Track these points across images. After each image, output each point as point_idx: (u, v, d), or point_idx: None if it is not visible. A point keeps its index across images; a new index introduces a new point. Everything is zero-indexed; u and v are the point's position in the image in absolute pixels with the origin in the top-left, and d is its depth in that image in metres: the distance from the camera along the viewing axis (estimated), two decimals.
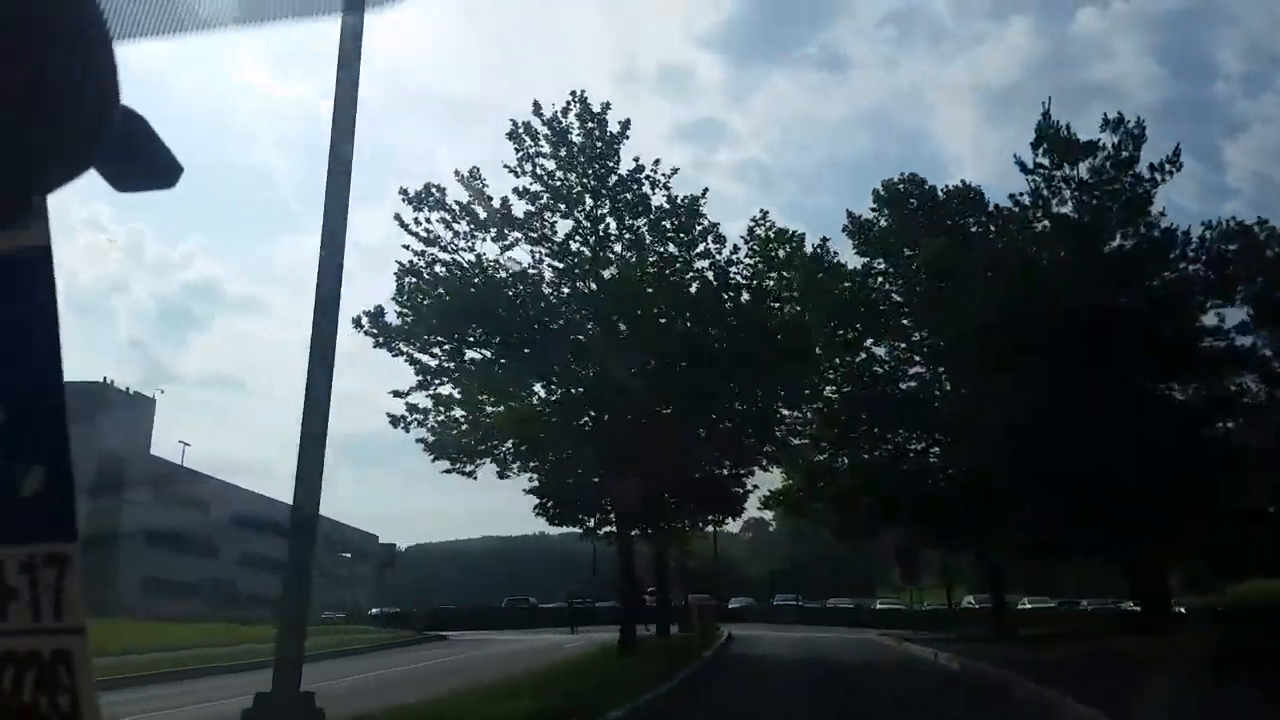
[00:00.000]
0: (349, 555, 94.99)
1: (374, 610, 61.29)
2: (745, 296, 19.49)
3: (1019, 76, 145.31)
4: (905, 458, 31.25)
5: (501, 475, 19.63)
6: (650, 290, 18.50)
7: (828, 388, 31.32)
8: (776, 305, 19.59)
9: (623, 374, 17.99)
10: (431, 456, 18.74)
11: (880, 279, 31.61)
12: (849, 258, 31.07)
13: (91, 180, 0.91)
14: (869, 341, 31.61)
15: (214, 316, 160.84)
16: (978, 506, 28.07)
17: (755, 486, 26.99)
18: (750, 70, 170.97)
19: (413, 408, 18.72)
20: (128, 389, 67.68)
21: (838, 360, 31.09)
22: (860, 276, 31.25)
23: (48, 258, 0.93)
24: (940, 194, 30.99)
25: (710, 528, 27.84)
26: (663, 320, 18.66)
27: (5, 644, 0.90)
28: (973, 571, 60.04)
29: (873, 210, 31.65)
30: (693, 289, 19.01)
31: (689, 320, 18.92)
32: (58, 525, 0.90)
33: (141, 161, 0.97)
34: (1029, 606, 53.99)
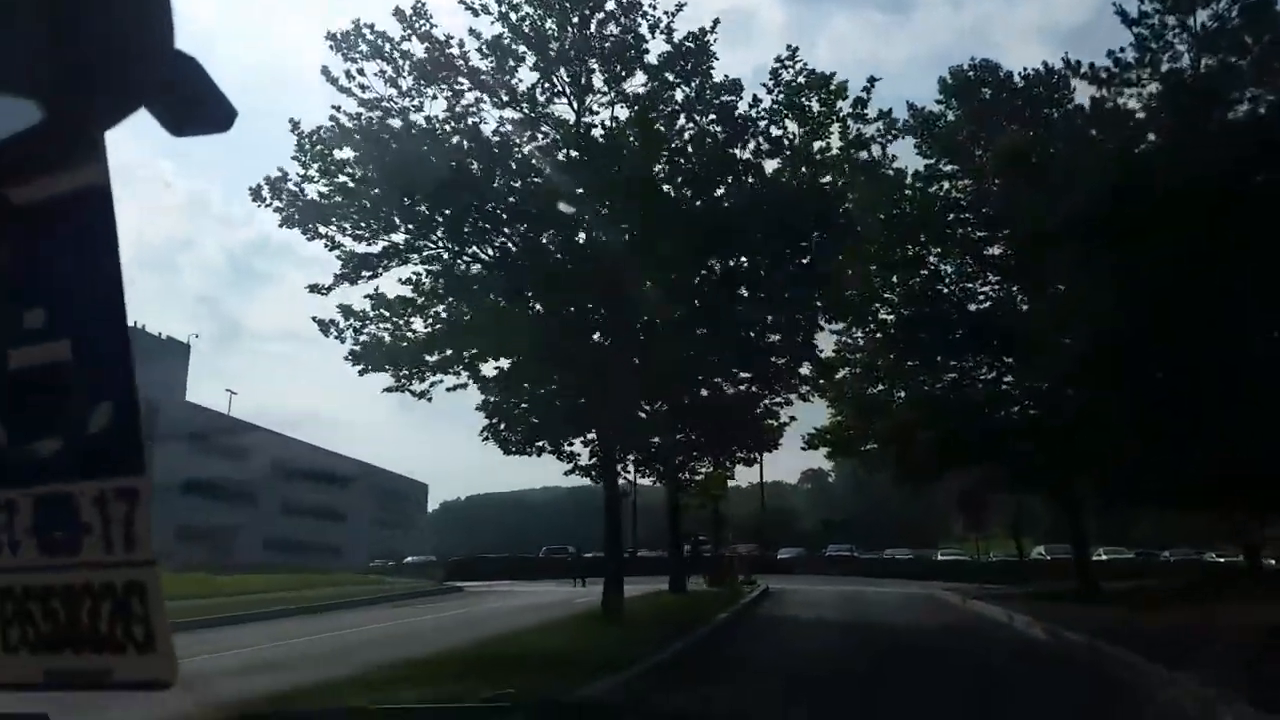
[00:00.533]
0: (399, 504, 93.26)
1: (408, 559, 58.64)
2: (770, 161, 14.84)
3: (1089, 17, 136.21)
4: (972, 387, 26.50)
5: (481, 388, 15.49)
6: (647, 156, 14.02)
7: (882, 310, 26.72)
8: (805, 170, 14.84)
9: (615, 262, 13.69)
10: (359, 368, 14.63)
11: (946, 184, 26.70)
12: (909, 160, 26.26)
13: (152, 129, 0.89)
14: (932, 256, 26.83)
15: (284, 273, 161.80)
16: (1059, 441, 23.36)
17: (792, 418, 22.53)
18: (813, 11, 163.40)
19: (349, 311, 14.63)
20: (160, 334, 65.59)
21: (894, 279, 26.42)
22: (923, 180, 26.41)
23: (107, 196, 0.91)
24: (1018, 79, 25.96)
25: (736, 467, 23.60)
26: (665, 189, 14.13)
27: (80, 577, 0.90)
28: (1044, 518, 55.15)
29: (938, 103, 26.77)
30: (700, 149, 14.31)
31: (696, 193, 14.34)
32: (127, 460, 0.89)
33: (196, 105, 0.92)
34: (1104, 558, 48.18)
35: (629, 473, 17.19)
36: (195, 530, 61.15)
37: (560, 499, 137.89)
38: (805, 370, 19.29)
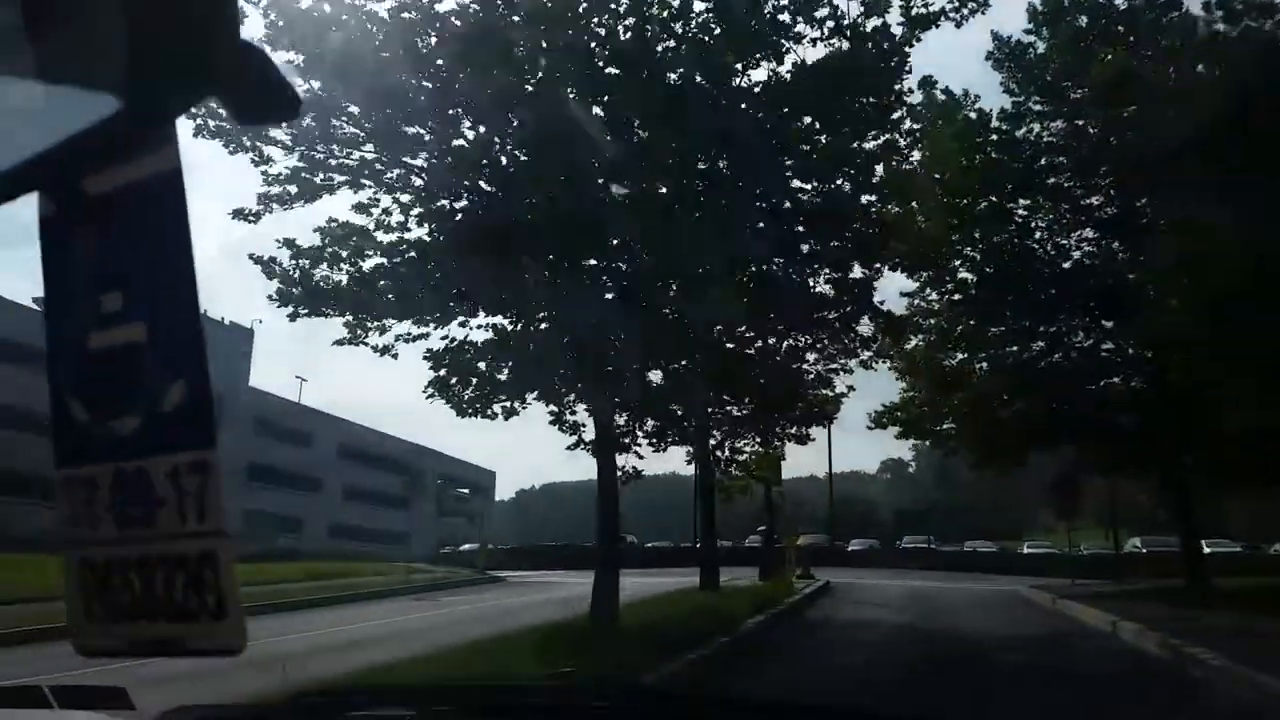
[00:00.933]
0: (466, 491, 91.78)
1: (463, 547, 56.81)
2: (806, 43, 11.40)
3: None
4: (1066, 355, 22.79)
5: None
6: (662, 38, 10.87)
7: (963, 268, 23.21)
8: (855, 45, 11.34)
9: (614, 169, 10.66)
10: (289, 309, 11.76)
11: (1036, 126, 23.00)
12: (992, 100, 22.64)
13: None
14: (1020, 209, 23.16)
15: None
16: (1172, 413, 19.70)
17: (850, 389, 19.14)
18: None
19: (291, 244, 11.85)
20: (223, 319, 64.58)
21: (977, 235, 22.86)
22: (1009, 121, 22.77)
23: (178, 181, 0.93)
24: (1120, 1, 22.12)
25: (785, 445, 20.25)
26: (673, 82, 10.90)
27: (156, 548, 0.93)
28: (1137, 507, 50.33)
29: (1027, 33, 23.04)
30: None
31: (717, 85, 11.06)
32: (199, 434, 0.91)
33: (260, 93, 0.94)
34: (1208, 551, 43.32)
35: (639, 449, 14.18)
36: (258, 517, 60.31)
37: (631, 488, 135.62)
38: (865, 328, 15.94)
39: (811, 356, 17.22)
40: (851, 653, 11.78)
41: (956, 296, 22.78)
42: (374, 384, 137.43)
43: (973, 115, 22.79)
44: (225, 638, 0.90)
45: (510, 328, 11.94)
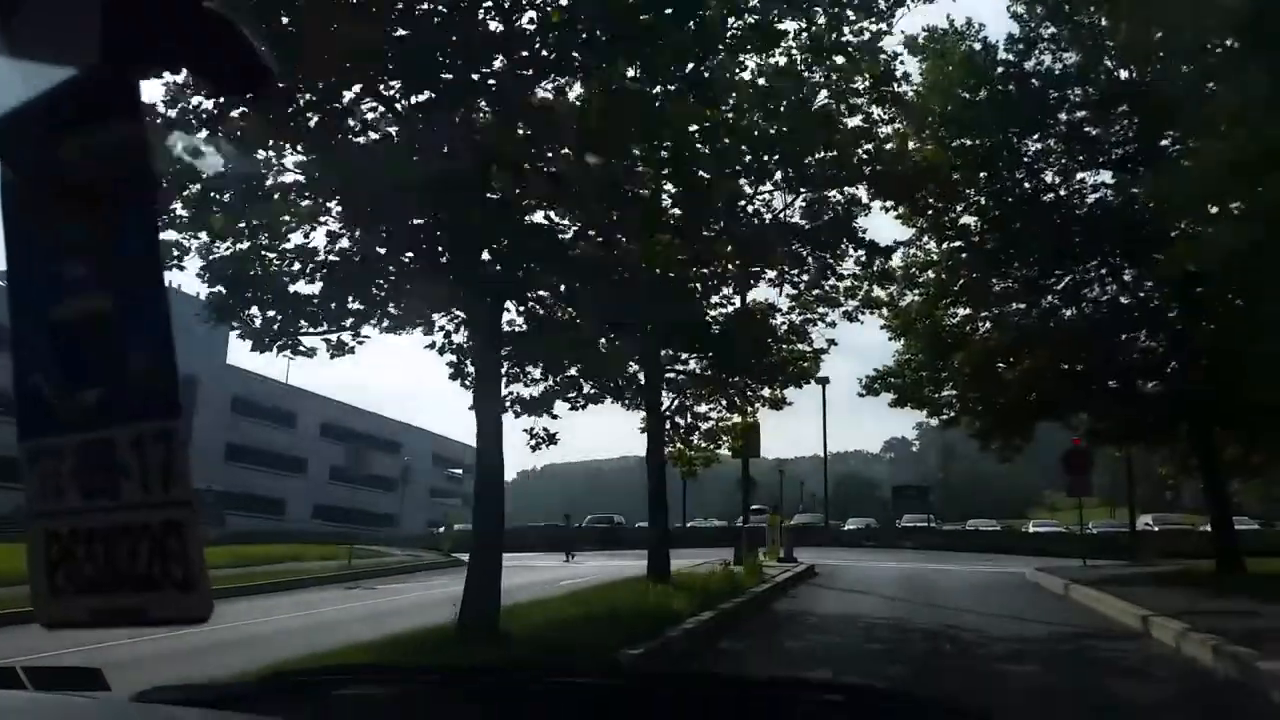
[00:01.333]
0: (459, 471, 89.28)
1: (458, 527, 54.31)
2: None
3: None
4: (1080, 309, 19.97)
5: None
6: None
7: (965, 214, 20.39)
8: None
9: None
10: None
11: (1046, 58, 20.08)
12: (998, 24, 19.73)
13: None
14: (1030, 147, 20.26)
15: None
16: (1204, 371, 16.96)
17: (831, 342, 16.30)
18: None
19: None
20: (198, 294, 61.75)
21: (983, 177, 19.99)
22: (1021, 45, 19.89)
23: (143, 149, 0.92)
24: None
25: (756, 411, 17.31)
26: None
27: (121, 518, 0.91)
28: (1150, 482, 47.41)
29: None
30: None
31: None
32: (163, 403, 0.90)
33: (232, 64, 0.92)
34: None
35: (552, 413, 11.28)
36: (238, 498, 57.88)
37: (629, 468, 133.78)
38: (851, 268, 13.10)
39: (782, 301, 14.39)
40: (811, 665, 8.97)
41: (958, 243, 19.93)
42: (370, 365, 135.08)
43: (977, 46, 19.99)
44: (191, 608, 0.88)
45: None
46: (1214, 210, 13.64)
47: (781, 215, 11.96)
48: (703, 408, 16.31)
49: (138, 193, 0.91)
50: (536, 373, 11.14)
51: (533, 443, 10.97)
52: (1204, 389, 17.55)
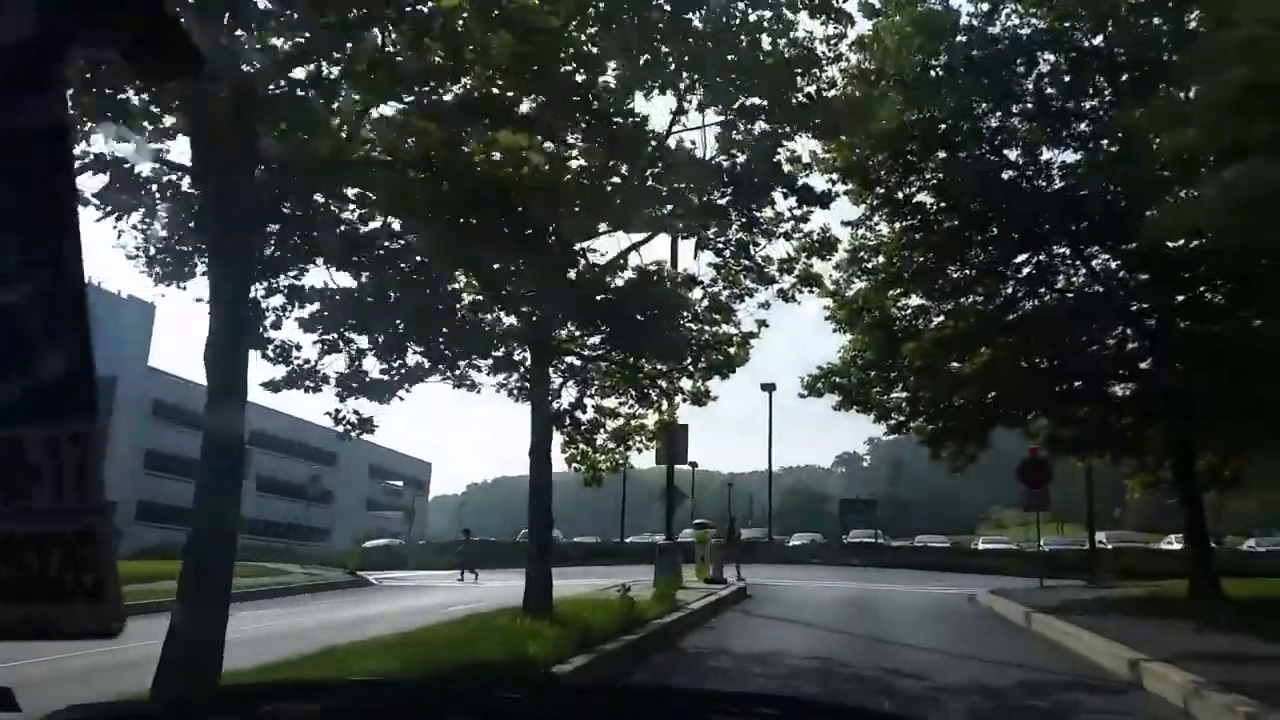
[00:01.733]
0: (400, 484, 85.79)
1: (367, 544, 51.26)
2: None
3: None
4: (1043, 298, 17.65)
5: None
6: None
7: (921, 191, 17.98)
8: None
9: None
10: None
11: (1015, 20, 17.81)
12: None
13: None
14: (993, 122, 17.91)
15: None
16: (1188, 366, 14.76)
17: (762, 325, 13.58)
18: None
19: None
20: (119, 292, 57.99)
21: (941, 153, 17.61)
22: (985, 4, 17.64)
23: (65, 134, 0.88)
24: None
25: (675, 406, 14.51)
26: None
27: (31, 525, 0.86)
28: (1099, 497, 45.52)
29: None
30: None
31: None
32: (79, 405, 0.85)
33: (163, 48, 0.88)
34: (1177, 547, 38.12)
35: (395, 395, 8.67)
36: (159, 509, 54.18)
37: (579, 481, 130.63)
38: (781, 215, 10.46)
39: (706, 272, 11.69)
40: None
41: (912, 221, 17.49)
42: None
43: (936, 6, 17.68)
44: (102, 620, 0.83)
45: None
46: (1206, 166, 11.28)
47: (693, 150, 9.36)
48: (611, 402, 13.61)
49: (57, 178, 0.85)
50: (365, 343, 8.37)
51: (341, 429, 8.23)
52: (1185, 389, 15.24)
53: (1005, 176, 17.71)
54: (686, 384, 14.00)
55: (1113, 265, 16.96)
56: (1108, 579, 25.79)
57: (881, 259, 18.54)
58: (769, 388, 39.47)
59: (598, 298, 10.14)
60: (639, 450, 14.49)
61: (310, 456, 70.85)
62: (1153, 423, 16.89)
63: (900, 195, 17.49)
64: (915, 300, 18.76)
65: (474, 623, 10.34)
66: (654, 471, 24.90)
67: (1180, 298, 15.89)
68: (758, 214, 10.31)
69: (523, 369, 11.51)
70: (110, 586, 0.83)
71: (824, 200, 10.83)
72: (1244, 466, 19.78)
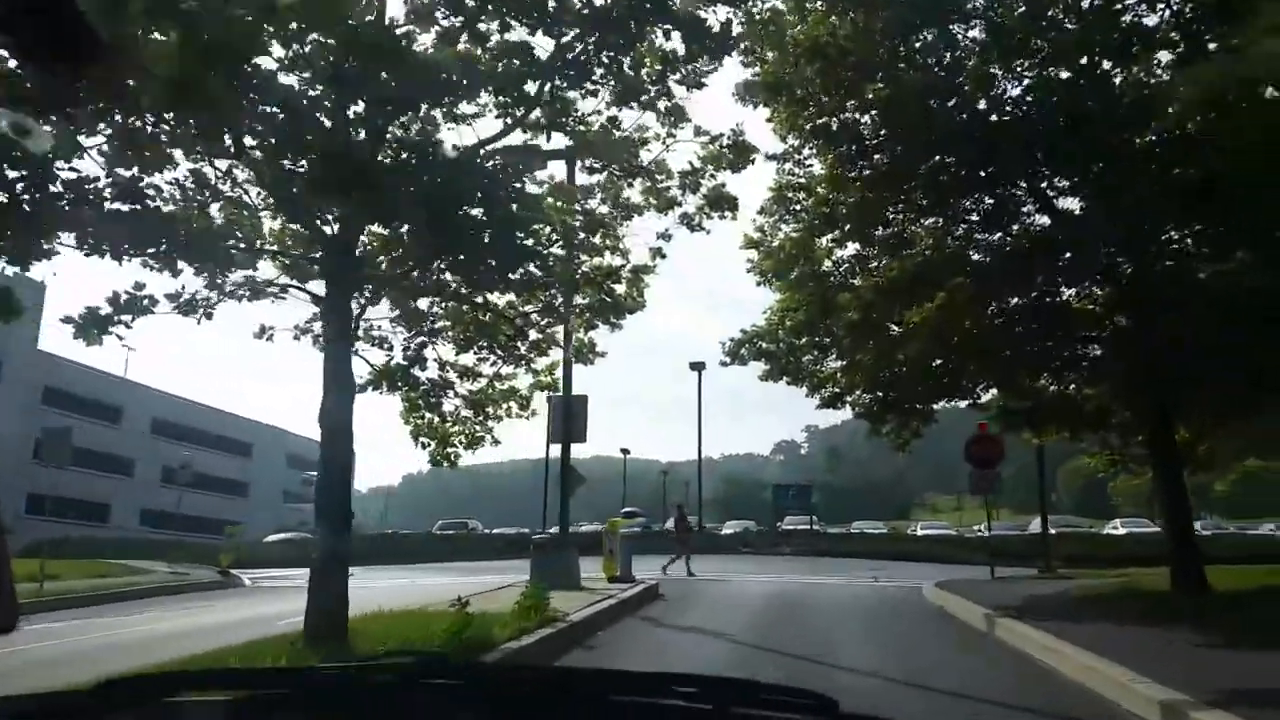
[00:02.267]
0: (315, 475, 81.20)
1: (268, 538, 47.41)
2: None
3: None
4: (1000, 240, 14.83)
5: None
6: None
7: (858, 114, 14.95)
8: None
9: None
10: None
11: None
12: None
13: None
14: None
15: None
16: (1170, 317, 12.00)
17: (660, 254, 10.40)
18: None
19: None
20: (1, 269, 53.01)
21: (879, 79, 14.57)
22: None
23: None
24: None
25: (550, 363, 11.38)
26: None
27: None
28: (1057, 481, 43.52)
29: None
30: None
31: None
32: None
33: (65, 37, 0.83)
34: (1154, 529, 35.76)
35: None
36: (51, 502, 49.42)
37: (525, 473, 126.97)
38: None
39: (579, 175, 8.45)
40: None
41: (846, 147, 14.44)
42: (218, 356, 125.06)
43: None
44: None
45: None
46: None
47: None
48: (468, 359, 10.30)
49: None
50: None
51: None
52: (1167, 344, 12.50)
53: (951, 104, 14.82)
54: (561, 332, 10.76)
55: (1077, 210, 14.15)
56: (1058, 568, 23.34)
57: (812, 201, 15.56)
58: (698, 366, 36.57)
59: (408, 189, 6.89)
60: (513, 419, 11.15)
61: (225, 448, 66.25)
62: (1129, 389, 14.14)
63: (834, 121, 14.46)
64: (851, 248, 15.82)
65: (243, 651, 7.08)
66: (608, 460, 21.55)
67: (1163, 238, 13.13)
68: (631, 72, 7.18)
69: (308, 295, 8.22)
70: (3, 583, 0.81)
71: (723, 45, 7.63)
72: (1219, 441, 17.29)
